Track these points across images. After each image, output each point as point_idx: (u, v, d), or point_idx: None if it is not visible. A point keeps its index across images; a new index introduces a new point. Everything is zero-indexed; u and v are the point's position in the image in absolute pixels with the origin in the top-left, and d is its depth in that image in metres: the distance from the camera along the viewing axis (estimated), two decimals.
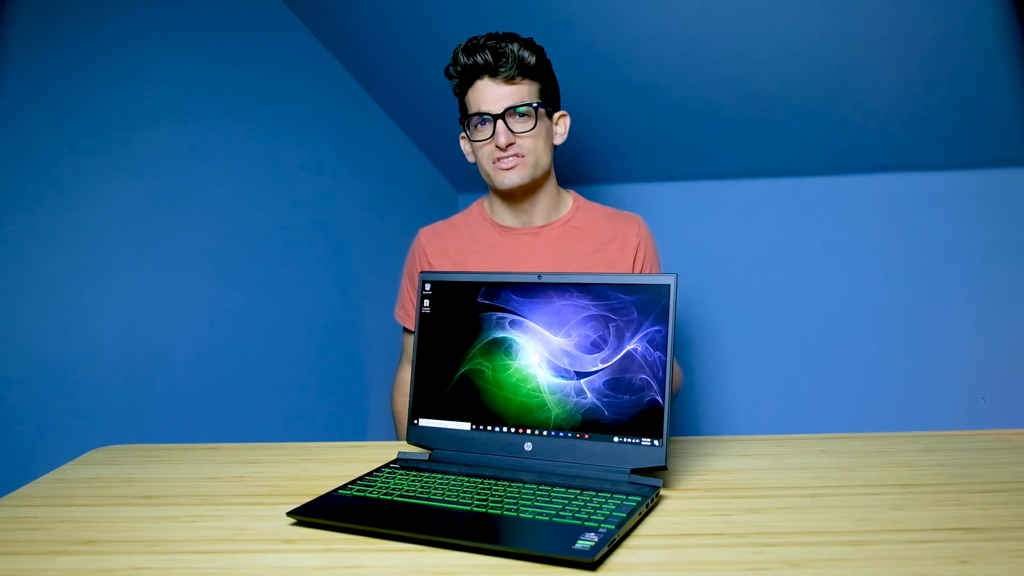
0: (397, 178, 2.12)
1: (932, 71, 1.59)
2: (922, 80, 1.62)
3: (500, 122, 1.28)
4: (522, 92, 1.29)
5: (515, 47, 1.28)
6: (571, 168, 1.96)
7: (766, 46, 1.60)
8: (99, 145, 1.45)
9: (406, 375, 1.47)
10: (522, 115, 1.29)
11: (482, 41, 1.29)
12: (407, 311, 1.42)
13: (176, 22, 1.57)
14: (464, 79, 1.32)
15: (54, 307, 1.40)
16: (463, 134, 1.39)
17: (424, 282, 1.03)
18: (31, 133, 1.37)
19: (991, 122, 1.68)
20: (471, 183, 2.24)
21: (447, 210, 2.18)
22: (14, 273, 1.35)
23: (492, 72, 1.28)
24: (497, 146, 1.29)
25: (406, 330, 1.45)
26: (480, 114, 1.29)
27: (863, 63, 1.60)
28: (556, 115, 1.37)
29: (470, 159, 1.39)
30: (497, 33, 1.30)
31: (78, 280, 1.43)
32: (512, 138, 1.29)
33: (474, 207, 1.45)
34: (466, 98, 1.33)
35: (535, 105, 1.30)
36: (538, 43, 1.32)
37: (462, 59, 1.30)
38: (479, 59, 1.28)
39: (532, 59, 1.29)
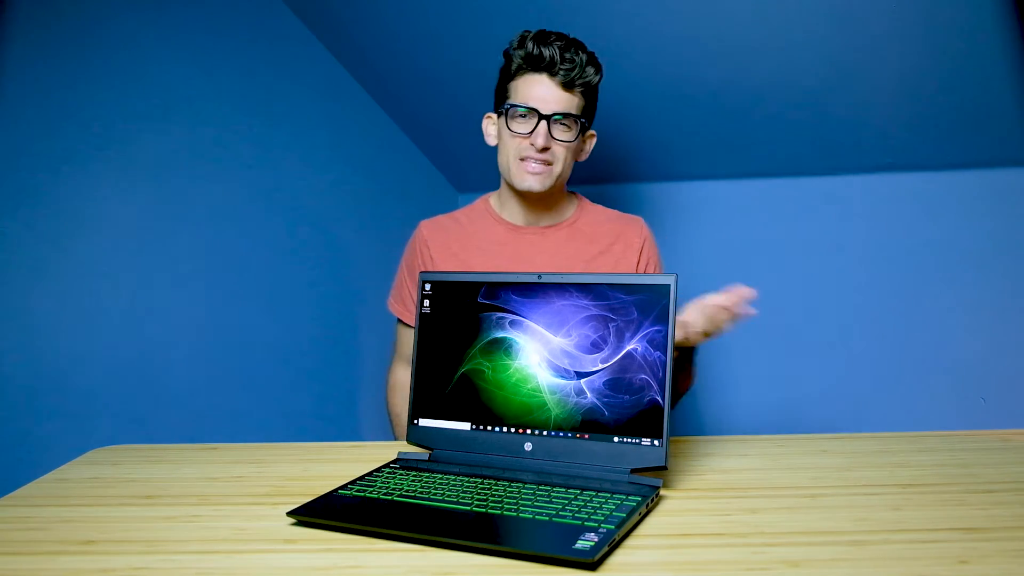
0: (397, 178, 2.12)
1: (932, 71, 1.59)
2: (922, 80, 1.62)
3: (544, 123, 1.26)
4: (572, 102, 1.27)
5: (583, 57, 1.27)
6: (572, 168, 1.96)
7: (766, 46, 1.60)
8: (98, 145, 1.46)
9: (401, 375, 1.46)
10: (565, 124, 1.28)
11: (554, 37, 1.27)
12: (405, 304, 1.41)
13: (176, 22, 1.57)
14: (523, 66, 1.28)
15: (54, 307, 1.40)
16: (490, 115, 1.36)
17: (424, 282, 1.03)
18: (30, 134, 1.37)
19: (990, 122, 1.68)
20: (471, 182, 2.24)
21: (447, 210, 2.18)
22: (14, 273, 1.35)
23: (552, 71, 1.26)
24: (533, 144, 1.27)
25: (400, 322, 1.43)
26: (526, 108, 1.27)
27: (863, 63, 1.60)
28: (587, 133, 1.36)
29: (491, 142, 1.37)
30: (567, 35, 1.29)
31: (78, 280, 1.43)
32: (549, 142, 1.27)
33: (480, 203, 1.44)
34: (513, 84, 1.30)
35: (581, 120, 1.29)
36: (599, 64, 1.31)
37: (529, 46, 1.26)
38: (546, 53, 1.25)
39: (596, 78, 1.29)
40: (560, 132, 1.28)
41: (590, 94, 1.31)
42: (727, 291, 1.06)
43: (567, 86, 1.26)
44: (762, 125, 1.80)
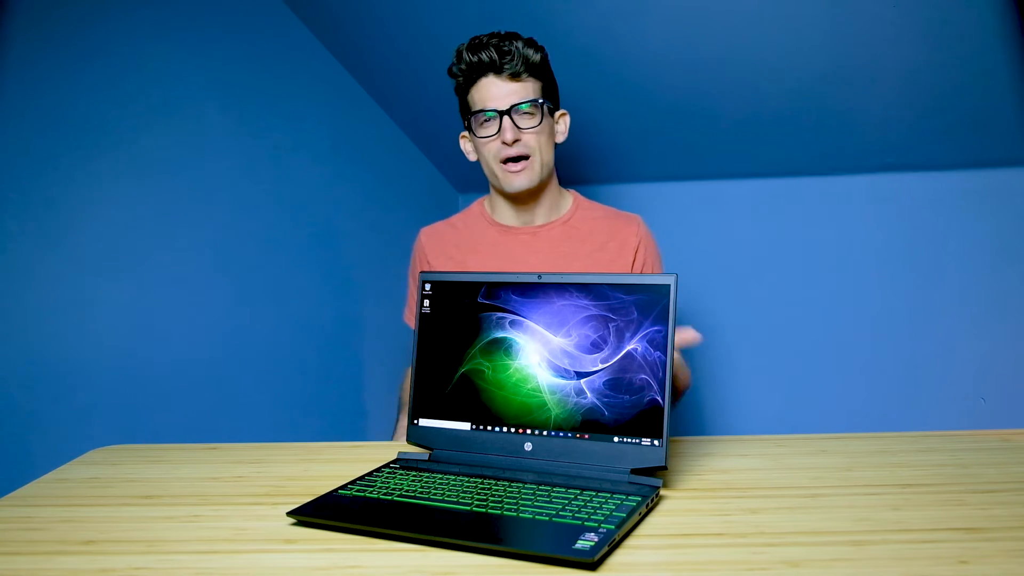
0: (397, 178, 2.12)
1: (932, 71, 1.59)
2: (922, 80, 1.62)
3: (506, 118, 1.28)
4: (527, 89, 1.30)
5: (519, 45, 1.28)
6: (571, 168, 1.96)
7: (766, 46, 1.60)
8: (98, 145, 1.45)
9: None
10: (527, 112, 1.30)
11: (485, 39, 1.29)
12: (416, 314, 1.41)
13: (176, 22, 1.57)
14: (468, 77, 1.31)
15: (54, 307, 1.40)
16: (464, 133, 1.39)
17: (424, 282, 1.03)
18: (30, 133, 1.37)
19: (991, 122, 1.68)
20: (471, 183, 2.24)
21: (447, 210, 2.18)
22: (14, 273, 1.35)
23: (497, 69, 1.28)
24: (503, 142, 1.28)
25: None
26: (485, 111, 1.29)
27: (863, 63, 1.60)
28: (557, 114, 1.37)
29: (471, 158, 1.39)
30: (499, 32, 1.31)
31: (78, 280, 1.43)
32: (518, 134, 1.29)
33: (474, 206, 1.45)
34: (469, 96, 1.33)
35: (540, 102, 1.30)
36: (538, 43, 1.32)
37: (467, 57, 1.30)
38: (484, 56, 1.28)
39: (537, 57, 1.30)
40: (524, 120, 1.30)
41: (543, 75, 1.33)
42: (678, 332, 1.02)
43: (515, 76, 1.29)
44: (762, 125, 1.80)
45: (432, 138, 2.10)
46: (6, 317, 1.34)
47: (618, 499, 0.81)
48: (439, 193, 2.27)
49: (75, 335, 1.42)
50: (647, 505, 0.81)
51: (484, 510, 0.79)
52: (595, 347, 0.92)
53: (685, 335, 1.03)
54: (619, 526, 0.73)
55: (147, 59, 1.52)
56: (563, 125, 1.39)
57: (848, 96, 1.68)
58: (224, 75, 1.66)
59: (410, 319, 1.44)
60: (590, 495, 0.82)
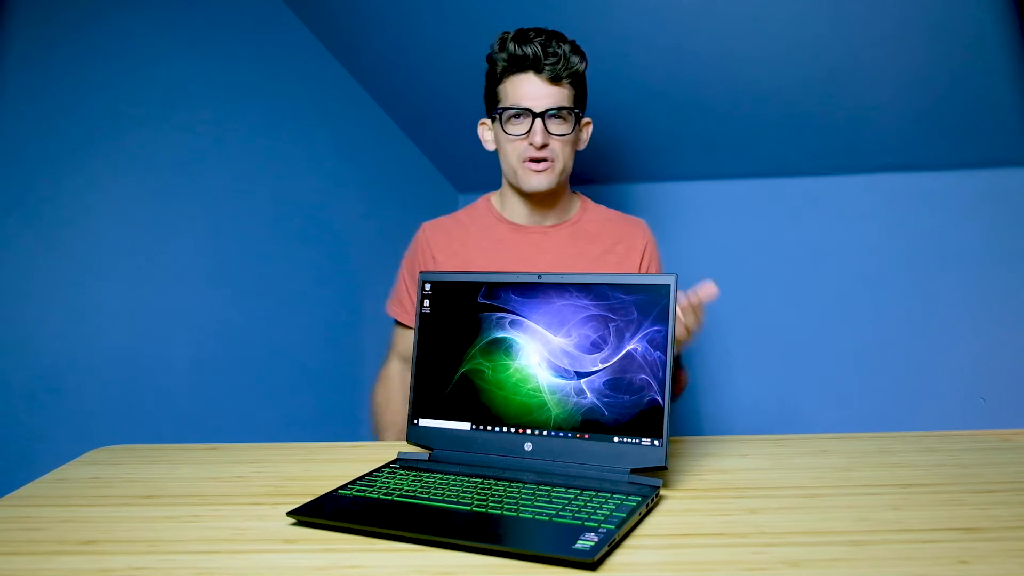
0: (397, 178, 2.12)
1: (932, 71, 1.59)
2: (922, 80, 1.61)
3: (539, 120, 1.26)
4: (563, 95, 1.27)
5: (566, 48, 1.26)
6: (574, 168, 1.96)
7: (766, 46, 1.60)
8: (98, 145, 1.46)
9: (393, 369, 1.45)
10: (561, 118, 1.28)
11: (533, 34, 1.26)
12: (404, 306, 1.40)
13: (176, 22, 1.57)
14: (508, 68, 1.28)
15: (54, 307, 1.40)
16: (484, 120, 1.37)
17: (424, 282, 1.03)
18: (30, 133, 1.37)
19: (991, 122, 1.68)
20: (471, 182, 2.24)
21: (447, 209, 2.17)
22: (14, 273, 1.36)
23: (538, 68, 1.26)
24: (532, 144, 1.27)
25: (398, 323, 1.43)
26: (519, 109, 1.27)
27: (863, 63, 1.60)
28: (582, 122, 1.36)
29: (489, 147, 1.37)
30: (546, 29, 1.28)
31: (78, 280, 1.43)
32: (548, 139, 1.27)
33: (481, 202, 1.44)
34: (502, 87, 1.30)
35: (575, 111, 1.29)
36: (581, 49, 1.31)
37: (511, 47, 1.26)
38: (529, 51, 1.25)
39: (581, 66, 1.28)
40: (556, 126, 1.28)
41: (579, 82, 1.31)
42: (690, 293, 1.03)
43: (555, 80, 1.26)
44: (762, 125, 1.80)
45: (432, 138, 2.10)
46: (6, 317, 1.35)
47: (618, 499, 0.81)
48: (439, 193, 2.27)
49: (75, 335, 1.42)
50: (647, 505, 0.81)
51: (484, 510, 0.79)
52: (595, 347, 0.92)
53: (707, 290, 1.01)
54: (619, 526, 0.73)
55: (147, 59, 1.52)
56: (586, 133, 1.38)
57: (848, 96, 1.68)
58: (224, 75, 1.66)
59: (393, 309, 1.42)
60: (590, 495, 0.82)
